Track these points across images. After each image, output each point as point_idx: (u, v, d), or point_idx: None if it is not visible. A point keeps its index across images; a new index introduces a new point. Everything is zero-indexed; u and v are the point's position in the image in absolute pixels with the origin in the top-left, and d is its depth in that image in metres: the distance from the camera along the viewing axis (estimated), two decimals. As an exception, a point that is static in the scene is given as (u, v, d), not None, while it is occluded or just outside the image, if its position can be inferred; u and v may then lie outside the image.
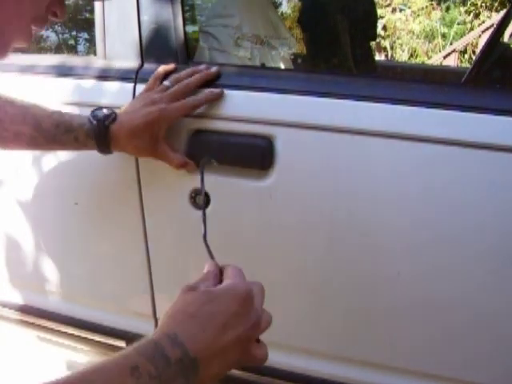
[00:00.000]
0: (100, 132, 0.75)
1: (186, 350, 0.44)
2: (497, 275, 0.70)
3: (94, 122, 0.75)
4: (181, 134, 0.79)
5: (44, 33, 1.14)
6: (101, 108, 0.77)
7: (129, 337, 0.95)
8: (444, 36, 6.93)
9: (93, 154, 0.80)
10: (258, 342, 0.50)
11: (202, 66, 0.80)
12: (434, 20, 7.09)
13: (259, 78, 0.81)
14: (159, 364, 0.42)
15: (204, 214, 0.60)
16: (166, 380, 0.42)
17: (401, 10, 7.43)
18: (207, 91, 0.77)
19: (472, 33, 5.68)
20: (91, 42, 1.01)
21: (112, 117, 0.75)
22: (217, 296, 0.48)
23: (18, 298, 1.05)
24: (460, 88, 0.76)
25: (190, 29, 1.00)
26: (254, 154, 0.77)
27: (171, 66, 0.82)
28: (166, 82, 0.78)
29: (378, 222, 0.74)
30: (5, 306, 1.06)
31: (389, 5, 7.34)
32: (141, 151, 0.78)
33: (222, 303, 0.48)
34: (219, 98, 0.77)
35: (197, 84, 0.78)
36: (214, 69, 0.79)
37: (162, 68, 0.81)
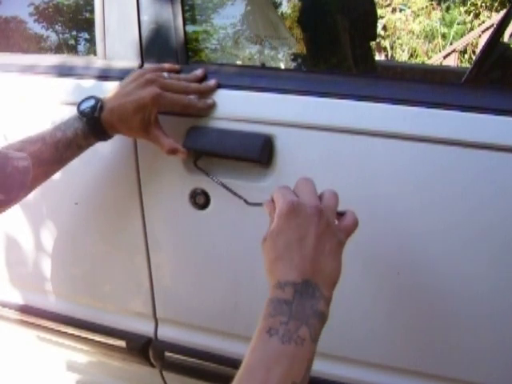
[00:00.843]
0: (94, 126, 0.75)
1: (291, 282, 0.50)
2: (497, 275, 0.70)
3: (85, 119, 0.75)
4: (179, 133, 0.79)
5: (44, 33, 1.14)
6: (83, 100, 0.76)
7: (129, 337, 0.95)
8: (444, 36, 6.93)
9: (92, 154, 0.80)
10: (341, 215, 0.57)
11: (199, 72, 0.80)
12: (434, 20, 7.10)
13: (259, 77, 0.81)
14: (283, 310, 0.48)
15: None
16: (297, 315, 0.48)
17: (401, 10, 7.44)
18: (202, 100, 0.77)
19: (472, 33, 5.68)
20: (91, 41, 1.01)
21: (99, 106, 0.74)
22: (278, 230, 0.53)
23: (17, 298, 1.05)
24: (460, 88, 0.76)
25: (190, 29, 1.00)
26: (253, 148, 0.76)
27: (176, 67, 0.82)
28: (165, 74, 0.78)
29: (377, 221, 0.74)
30: (5, 306, 1.06)
31: (389, 5, 7.35)
32: (134, 133, 0.77)
33: (284, 231, 0.53)
34: (211, 109, 0.78)
35: (194, 92, 0.78)
36: (213, 82, 0.79)
37: (168, 66, 0.81)
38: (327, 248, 0.53)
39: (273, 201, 0.58)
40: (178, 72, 0.82)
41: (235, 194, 0.74)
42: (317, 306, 0.49)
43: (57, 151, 0.74)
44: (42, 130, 0.76)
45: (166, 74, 0.78)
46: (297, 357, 0.46)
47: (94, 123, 0.74)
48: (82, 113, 0.75)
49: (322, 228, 0.53)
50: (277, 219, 0.54)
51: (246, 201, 0.74)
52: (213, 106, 0.78)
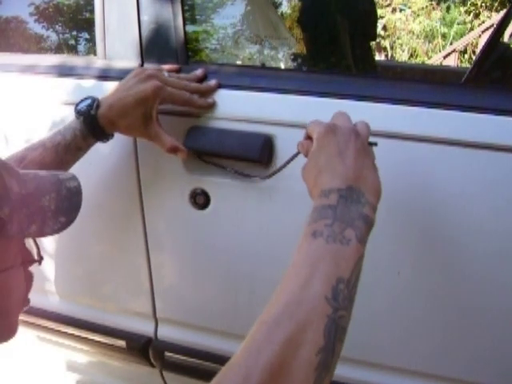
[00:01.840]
0: (91, 124, 0.74)
1: (336, 188, 0.51)
2: (497, 274, 0.70)
3: (81, 118, 0.74)
4: (180, 133, 0.79)
5: (44, 33, 1.14)
6: (81, 101, 0.76)
7: (129, 337, 0.95)
8: (444, 36, 6.93)
9: (93, 155, 0.80)
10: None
11: (199, 72, 0.80)
12: (434, 20, 7.10)
13: (259, 77, 0.81)
14: (328, 214, 0.49)
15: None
16: (342, 217, 0.49)
17: (401, 10, 7.44)
18: (203, 99, 0.78)
19: (472, 33, 5.68)
20: (91, 41, 1.01)
21: (95, 104, 0.74)
22: (318, 149, 0.57)
23: (18, 298, 1.05)
24: (460, 88, 0.76)
25: (190, 29, 1.00)
26: (253, 148, 0.76)
27: (176, 66, 0.82)
28: (165, 73, 0.78)
29: (378, 222, 0.73)
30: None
31: (389, 5, 7.35)
32: (133, 130, 0.76)
33: (325, 148, 0.56)
34: (211, 107, 0.78)
35: (194, 91, 0.78)
36: (213, 82, 0.79)
37: (168, 66, 0.82)
38: (366, 161, 0.55)
39: (305, 139, 0.61)
40: (177, 72, 0.82)
41: (247, 175, 0.77)
42: (362, 209, 0.50)
43: (57, 155, 0.74)
44: (43, 136, 0.76)
45: (166, 73, 0.78)
46: (342, 255, 0.47)
47: (91, 121, 0.74)
48: (78, 112, 0.75)
49: (359, 145, 0.56)
50: (315, 141, 0.58)
51: (260, 177, 0.76)
52: (213, 105, 0.78)
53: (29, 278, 0.61)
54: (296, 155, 0.66)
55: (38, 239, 0.64)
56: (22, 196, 0.54)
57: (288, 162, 0.68)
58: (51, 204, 0.57)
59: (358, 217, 0.49)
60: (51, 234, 0.58)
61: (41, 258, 0.63)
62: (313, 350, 0.42)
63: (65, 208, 0.59)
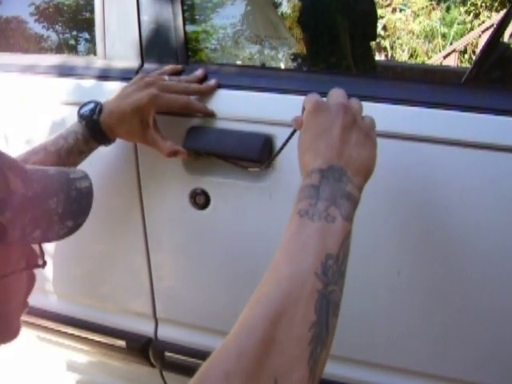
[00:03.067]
0: (94, 128, 0.75)
1: (317, 168, 0.52)
2: (497, 274, 0.70)
3: (84, 123, 0.75)
4: (179, 133, 0.79)
5: (44, 33, 1.14)
6: (84, 104, 0.76)
7: (129, 337, 0.95)
8: (444, 36, 6.93)
9: (93, 155, 0.80)
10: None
11: (199, 72, 0.80)
12: (434, 20, 7.10)
13: (259, 77, 0.81)
14: (311, 193, 0.50)
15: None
16: (324, 196, 0.49)
17: (401, 10, 7.44)
18: (202, 104, 0.78)
19: (472, 33, 5.68)
20: (91, 42, 1.01)
21: (98, 109, 0.75)
22: (305, 127, 0.57)
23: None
24: (460, 88, 0.76)
25: (190, 29, 1.00)
26: (253, 148, 0.76)
27: (178, 67, 0.82)
28: (165, 77, 0.78)
29: (377, 221, 0.74)
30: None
31: (389, 5, 7.35)
32: (132, 136, 0.78)
33: (310, 126, 0.56)
34: (209, 110, 0.78)
35: (194, 93, 0.78)
36: (213, 82, 0.79)
37: (170, 67, 0.82)
38: (354, 138, 0.54)
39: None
40: (180, 72, 0.82)
41: (246, 167, 0.76)
42: (345, 188, 0.51)
43: (59, 158, 0.74)
44: (44, 138, 0.76)
45: (166, 77, 0.78)
46: (328, 232, 0.47)
47: (94, 126, 0.74)
48: (81, 116, 0.75)
49: (347, 121, 0.55)
50: (304, 120, 0.58)
51: (260, 168, 0.75)
52: (211, 112, 0.78)
53: (30, 280, 0.57)
54: (293, 133, 0.65)
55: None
56: (26, 198, 0.50)
57: (286, 143, 0.68)
58: (58, 207, 0.53)
59: (340, 195, 0.50)
60: (56, 239, 0.54)
61: (44, 263, 0.59)
62: (305, 325, 0.42)
63: (73, 211, 0.55)
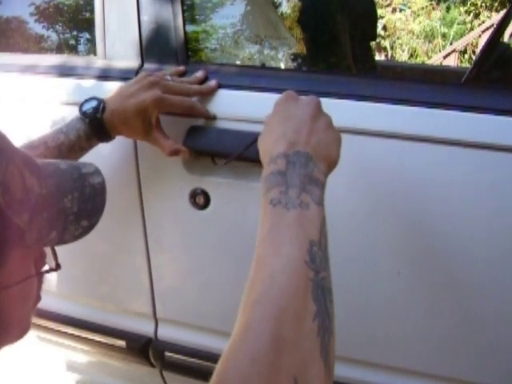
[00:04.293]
0: (97, 127, 0.74)
1: (283, 153, 0.50)
2: (498, 274, 0.70)
3: (87, 121, 0.74)
4: (179, 132, 0.79)
5: (44, 33, 1.14)
6: (85, 101, 0.76)
7: (129, 337, 0.95)
8: (444, 36, 6.93)
9: (92, 154, 0.80)
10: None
11: (200, 74, 0.81)
12: (434, 20, 7.10)
13: (259, 77, 0.81)
14: (279, 180, 0.48)
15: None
16: (293, 182, 0.48)
17: (401, 10, 7.44)
18: (205, 107, 0.78)
19: (472, 33, 5.68)
20: (91, 42, 1.01)
21: (101, 107, 0.74)
22: (273, 113, 0.58)
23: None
24: (460, 88, 0.76)
25: (190, 29, 1.00)
26: (253, 148, 0.76)
27: (181, 68, 0.83)
28: (168, 77, 0.79)
29: (377, 221, 0.74)
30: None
31: (389, 5, 7.35)
32: (134, 135, 0.78)
33: (279, 112, 0.57)
34: (211, 113, 0.78)
35: (196, 94, 0.78)
36: (213, 83, 0.80)
37: (173, 69, 0.82)
38: (322, 127, 0.54)
39: None
40: (183, 73, 0.82)
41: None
42: (311, 173, 0.50)
43: (60, 154, 0.74)
44: (43, 134, 0.75)
45: (169, 77, 0.78)
46: (306, 219, 0.46)
47: (97, 124, 0.74)
48: (84, 114, 0.75)
49: (317, 111, 0.56)
50: (274, 105, 0.58)
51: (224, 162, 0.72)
52: (213, 116, 0.78)
53: (41, 280, 0.54)
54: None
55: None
56: (42, 197, 0.46)
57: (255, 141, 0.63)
58: (73, 206, 0.50)
59: (308, 181, 0.49)
60: (71, 241, 0.51)
61: (58, 266, 0.55)
62: (309, 316, 0.41)
63: (88, 210, 0.52)
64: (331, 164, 0.54)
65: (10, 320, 0.47)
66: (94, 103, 0.75)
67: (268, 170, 0.51)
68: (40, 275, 0.52)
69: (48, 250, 0.55)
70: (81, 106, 0.76)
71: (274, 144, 0.52)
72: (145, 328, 0.95)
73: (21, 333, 0.52)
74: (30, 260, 0.49)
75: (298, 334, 0.39)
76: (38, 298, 0.55)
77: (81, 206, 0.51)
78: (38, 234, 0.46)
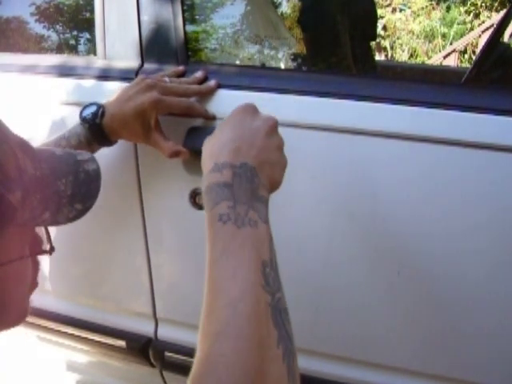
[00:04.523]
0: (97, 132, 0.75)
1: (229, 163, 0.49)
2: (497, 274, 0.70)
3: (87, 126, 0.75)
4: (179, 133, 0.79)
5: (44, 33, 1.14)
6: (86, 107, 0.76)
7: (129, 337, 0.95)
8: (444, 36, 6.94)
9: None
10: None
11: (200, 74, 0.81)
12: (434, 20, 7.10)
13: (259, 77, 0.81)
14: (226, 194, 0.47)
15: None
16: (240, 198, 0.47)
17: (401, 10, 7.45)
18: (203, 107, 0.78)
19: (472, 33, 5.68)
20: (91, 42, 1.01)
21: (100, 112, 0.74)
22: (227, 121, 0.56)
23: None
24: (460, 88, 0.76)
25: (190, 29, 1.00)
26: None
27: (180, 68, 0.82)
28: (166, 79, 0.79)
29: (377, 221, 0.74)
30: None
31: (389, 5, 7.36)
32: (134, 138, 0.78)
33: (233, 119, 0.55)
34: (210, 113, 0.78)
35: (194, 94, 0.78)
36: (213, 83, 0.80)
37: (172, 70, 0.82)
38: (274, 146, 0.53)
39: None
40: (183, 73, 0.82)
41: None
42: (257, 190, 0.49)
43: None
44: (46, 140, 0.76)
45: (167, 79, 0.78)
46: (256, 238, 0.45)
47: (96, 129, 0.75)
48: (84, 119, 0.75)
49: (272, 130, 0.54)
50: (232, 111, 0.56)
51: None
52: (212, 116, 0.78)
53: (36, 264, 0.56)
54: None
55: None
56: (36, 178, 0.49)
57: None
58: (67, 189, 0.52)
59: (255, 198, 0.48)
60: (65, 222, 0.53)
61: (52, 249, 0.57)
62: (273, 343, 0.40)
63: (82, 194, 0.54)
64: (273, 185, 0.53)
65: (8, 299, 0.48)
66: (93, 109, 0.75)
67: (212, 178, 0.49)
68: (34, 257, 0.54)
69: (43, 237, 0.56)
70: (81, 111, 0.76)
71: (222, 149, 0.51)
72: (145, 328, 0.95)
73: (18, 317, 0.52)
74: (24, 240, 0.50)
75: (265, 363, 0.39)
76: (35, 284, 0.56)
77: (75, 190, 0.53)
78: (31, 213, 0.48)
